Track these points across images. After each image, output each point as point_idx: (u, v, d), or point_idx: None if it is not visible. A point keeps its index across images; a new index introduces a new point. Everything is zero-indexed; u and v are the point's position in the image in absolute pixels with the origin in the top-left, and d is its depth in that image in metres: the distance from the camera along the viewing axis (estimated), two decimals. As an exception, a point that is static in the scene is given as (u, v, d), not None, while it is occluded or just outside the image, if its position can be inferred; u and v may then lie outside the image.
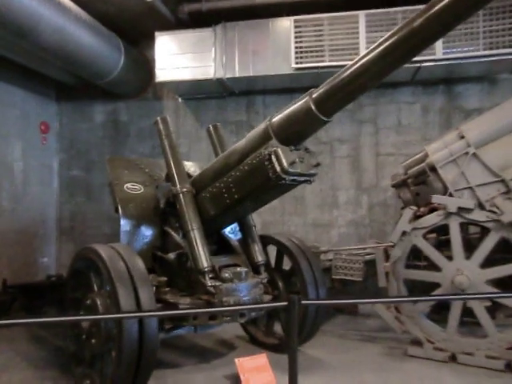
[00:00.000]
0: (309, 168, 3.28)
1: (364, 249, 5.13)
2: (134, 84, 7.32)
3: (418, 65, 5.77)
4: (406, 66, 5.90)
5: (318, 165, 3.32)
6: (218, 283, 3.56)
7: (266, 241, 4.55)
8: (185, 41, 6.46)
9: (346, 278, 4.98)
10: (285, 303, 2.72)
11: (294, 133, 3.23)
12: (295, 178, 3.25)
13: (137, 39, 7.07)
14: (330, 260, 5.21)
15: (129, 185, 4.01)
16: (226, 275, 3.62)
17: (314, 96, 3.06)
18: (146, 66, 7.13)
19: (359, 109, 6.85)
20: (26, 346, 4.71)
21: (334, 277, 5.10)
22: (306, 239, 6.77)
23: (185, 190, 3.78)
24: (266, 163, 3.18)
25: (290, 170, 3.14)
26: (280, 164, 3.13)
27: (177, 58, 6.47)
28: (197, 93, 7.11)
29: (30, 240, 7.30)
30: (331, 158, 7.02)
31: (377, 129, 6.84)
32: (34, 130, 7.46)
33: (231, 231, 4.39)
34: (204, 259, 3.57)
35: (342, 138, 6.97)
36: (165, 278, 3.80)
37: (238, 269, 3.75)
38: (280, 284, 4.44)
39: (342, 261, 5.03)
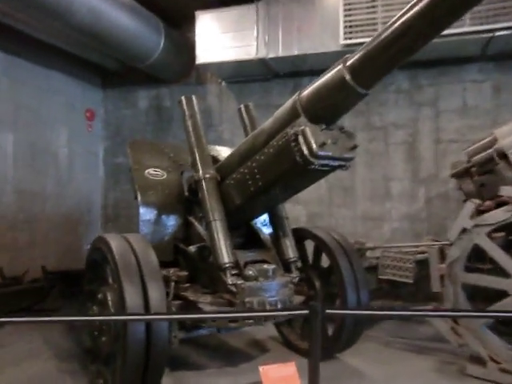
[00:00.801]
0: (343, 151, 2.78)
1: (416, 247, 4.50)
2: (175, 67, 7.06)
3: (491, 34, 4.98)
4: (475, 36, 5.28)
5: (355, 147, 2.80)
6: (240, 281, 3.16)
7: (302, 234, 4.09)
8: (226, 19, 6.08)
9: (394, 278, 4.40)
10: (305, 311, 2.27)
11: (326, 108, 2.73)
12: (327, 162, 2.76)
13: (177, 20, 6.78)
14: (378, 258, 4.64)
15: (150, 170, 3.70)
16: (250, 273, 3.22)
17: (348, 63, 2.55)
18: (188, 49, 6.82)
19: (417, 89, 6.14)
20: (57, 336, 4.58)
21: (380, 277, 4.54)
22: (355, 234, 6.26)
23: (207, 176, 3.41)
24: (293, 145, 2.72)
25: (320, 152, 2.66)
26: (308, 146, 2.65)
27: (218, 37, 6.11)
28: (240, 75, 6.72)
29: (74, 227, 7.31)
30: (385, 145, 6.39)
31: (437, 112, 6.10)
32: (79, 116, 7.43)
33: (264, 223, 3.96)
34: (225, 253, 3.18)
35: (398, 122, 6.30)
36: (185, 273, 3.47)
37: (265, 265, 3.33)
38: (317, 283, 3.97)
39: (391, 259, 4.45)
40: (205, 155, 3.52)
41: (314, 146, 2.64)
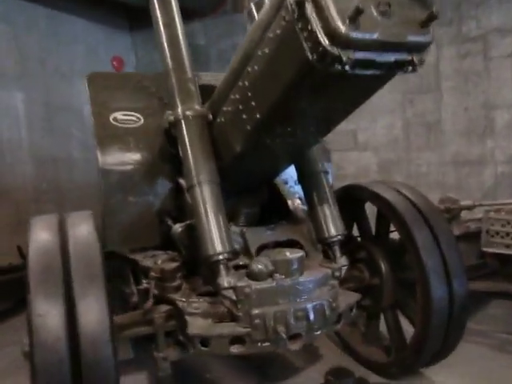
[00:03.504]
0: (406, 28, 1.34)
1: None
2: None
3: None
4: None
5: (430, 19, 1.34)
6: (242, 282, 1.94)
7: (358, 195, 2.74)
8: None
9: (505, 252, 2.90)
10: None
11: None
12: (370, 56, 1.34)
13: None
14: (479, 221, 3.14)
15: (118, 114, 2.50)
16: (260, 266, 1.96)
17: None
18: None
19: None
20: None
21: (484, 249, 3.05)
22: (444, 185, 4.71)
23: (189, 113, 2.15)
24: (298, 28, 1.35)
25: (354, 34, 1.26)
26: (325, 23, 1.27)
27: None
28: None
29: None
30: (485, 61, 4.62)
31: None
32: (104, 66, 6.42)
33: (295, 182, 2.65)
34: (217, 237, 1.96)
35: (504, 27, 4.46)
36: (175, 264, 2.30)
37: (287, 253, 2.06)
38: (383, 266, 2.61)
39: (500, 223, 2.94)
40: (186, 82, 2.24)
41: (338, 20, 1.25)
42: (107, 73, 2.84)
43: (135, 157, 2.46)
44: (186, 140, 2.12)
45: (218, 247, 1.94)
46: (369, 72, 1.38)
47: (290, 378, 2.78)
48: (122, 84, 2.68)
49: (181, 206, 2.48)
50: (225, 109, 2.01)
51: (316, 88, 1.49)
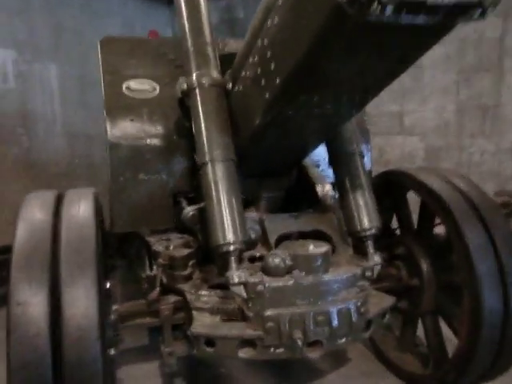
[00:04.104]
0: None
1: None
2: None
3: None
4: None
5: None
6: (255, 278, 1.68)
7: (399, 182, 2.39)
8: None
9: None
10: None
11: None
12: None
13: None
14: (542, 218, 2.71)
15: (132, 83, 2.26)
16: (276, 261, 1.69)
17: None
18: None
19: None
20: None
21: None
22: (500, 176, 4.22)
23: (205, 80, 1.87)
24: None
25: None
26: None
27: None
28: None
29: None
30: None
31: None
32: (140, 41, 6.26)
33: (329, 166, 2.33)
34: (228, 224, 1.69)
35: None
36: (186, 251, 2.07)
37: (311, 246, 1.77)
38: (424, 266, 2.27)
39: None
40: (204, 46, 1.96)
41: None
42: (122, 37, 2.58)
43: (148, 130, 2.21)
44: (200, 111, 1.84)
45: (229, 236, 1.67)
46: (418, 20, 1.05)
47: (313, 382, 2.52)
48: (137, 50, 2.43)
49: (198, 186, 2.23)
50: (243, 74, 1.72)
51: (348, 43, 1.17)
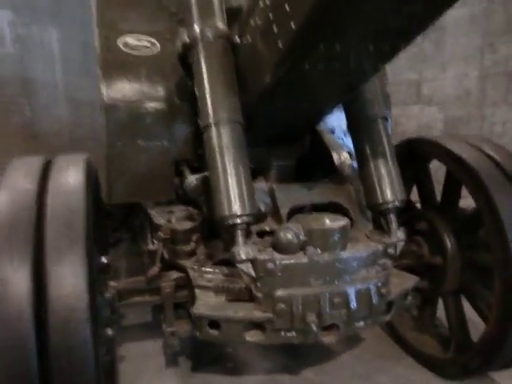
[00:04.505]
0: None
1: None
2: None
3: None
4: None
5: None
6: (264, 255, 1.50)
7: (422, 150, 2.19)
8: None
9: None
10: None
11: None
12: None
13: None
14: None
15: (129, 39, 2.05)
16: (289, 236, 1.51)
17: None
18: None
19: None
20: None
21: None
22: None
23: (209, 32, 1.66)
24: None
25: None
26: None
27: None
28: None
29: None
30: None
31: None
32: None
33: (344, 134, 2.13)
34: (235, 195, 1.51)
35: None
36: (189, 224, 1.90)
37: (327, 220, 1.59)
38: (449, 243, 2.09)
39: None
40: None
41: None
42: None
43: (147, 91, 2.01)
44: (204, 67, 1.64)
45: (236, 207, 1.49)
46: None
47: (323, 363, 2.38)
48: (136, 2, 2.21)
49: (203, 154, 2.04)
50: (252, 23, 1.50)
51: None
